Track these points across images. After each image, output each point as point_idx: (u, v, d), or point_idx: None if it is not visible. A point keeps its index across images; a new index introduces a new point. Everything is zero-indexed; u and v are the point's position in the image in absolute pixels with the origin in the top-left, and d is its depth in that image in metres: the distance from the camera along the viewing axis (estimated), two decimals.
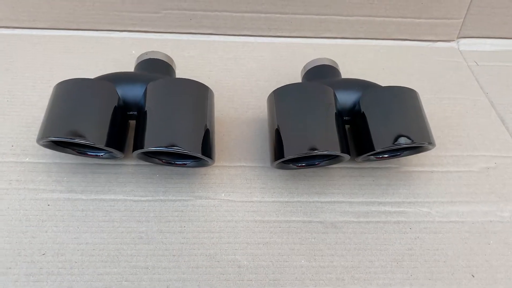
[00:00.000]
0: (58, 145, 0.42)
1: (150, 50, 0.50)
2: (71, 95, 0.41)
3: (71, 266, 0.37)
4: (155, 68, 0.48)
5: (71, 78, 0.42)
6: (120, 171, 0.44)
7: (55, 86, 0.42)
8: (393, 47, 0.64)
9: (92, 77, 0.45)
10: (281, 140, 0.41)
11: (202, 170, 0.45)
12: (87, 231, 0.39)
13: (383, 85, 0.46)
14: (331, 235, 0.41)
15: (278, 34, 0.63)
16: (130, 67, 0.54)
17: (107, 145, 0.39)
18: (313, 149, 0.39)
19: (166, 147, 0.38)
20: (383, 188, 0.45)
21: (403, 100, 0.44)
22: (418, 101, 0.45)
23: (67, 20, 0.60)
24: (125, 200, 0.42)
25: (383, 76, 0.59)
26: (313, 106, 0.43)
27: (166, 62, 0.49)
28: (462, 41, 0.65)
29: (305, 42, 0.63)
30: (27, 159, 0.45)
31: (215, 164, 0.45)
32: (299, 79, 0.56)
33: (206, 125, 0.41)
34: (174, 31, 0.62)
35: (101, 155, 0.44)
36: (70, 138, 0.38)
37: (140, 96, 0.43)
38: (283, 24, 0.62)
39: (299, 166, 0.45)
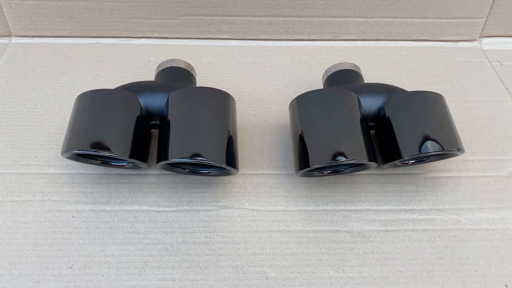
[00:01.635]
0: (82, 157, 0.42)
1: (170, 58, 0.49)
2: (93, 106, 0.41)
3: (98, 279, 0.37)
4: (176, 76, 0.47)
5: (92, 89, 0.42)
6: (143, 181, 0.44)
7: (77, 98, 0.42)
8: (414, 48, 0.63)
9: (113, 86, 0.44)
10: (306, 148, 0.40)
11: (225, 178, 0.45)
12: (112, 243, 0.39)
13: (406, 89, 0.45)
14: (359, 244, 0.40)
15: (297, 38, 0.62)
16: (149, 74, 0.54)
17: (131, 156, 0.39)
18: (340, 158, 0.38)
19: (190, 158, 0.37)
20: (409, 195, 0.44)
21: (429, 105, 0.43)
22: (444, 105, 0.44)
23: (85, 28, 0.60)
24: (149, 211, 0.42)
25: (404, 79, 0.58)
26: (338, 113, 0.42)
27: (186, 69, 0.48)
28: (485, 40, 0.64)
29: (324, 45, 0.63)
30: (50, 170, 0.45)
31: (239, 172, 0.44)
32: (319, 84, 0.55)
33: (229, 133, 0.41)
34: (192, 36, 0.62)
35: (125, 165, 0.43)
36: (94, 151, 0.37)
37: (162, 105, 0.43)
38: (302, 27, 0.61)
39: (324, 173, 0.44)
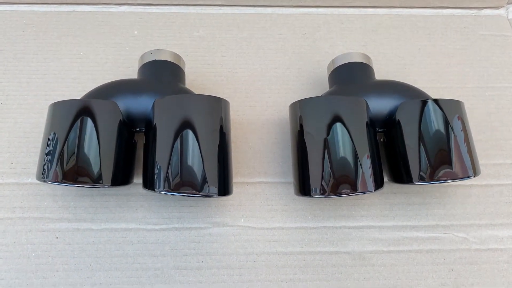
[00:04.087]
0: None
1: (154, 49, 0.43)
2: (68, 123, 0.36)
3: None
4: (162, 72, 0.42)
5: (66, 99, 0.37)
6: (131, 193, 0.41)
7: (50, 107, 0.37)
8: (432, 17, 0.56)
9: (92, 70, 0.40)
10: (308, 173, 0.36)
11: None
12: (100, 269, 0.37)
13: (420, 72, 0.40)
14: (359, 268, 0.38)
15: (300, 4, 0.55)
16: (133, 53, 0.49)
17: (113, 184, 0.35)
18: (345, 191, 0.35)
19: (178, 191, 0.34)
20: (416, 208, 0.41)
21: (446, 118, 0.38)
22: (463, 117, 0.39)
23: None
24: (138, 230, 0.39)
25: (419, 59, 0.52)
26: (343, 133, 0.37)
27: (173, 63, 0.42)
28: None
29: (331, 13, 0.55)
30: (29, 179, 0.41)
31: (234, 180, 0.41)
32: (323, 66, 0.50)
33: (221, 152, 0.36)
34: (181, 3, 0.54)
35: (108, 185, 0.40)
36: (71, 183, 0.34)
37: (147, 111, 0.38)
38: None
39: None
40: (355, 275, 0.38)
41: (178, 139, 0.35)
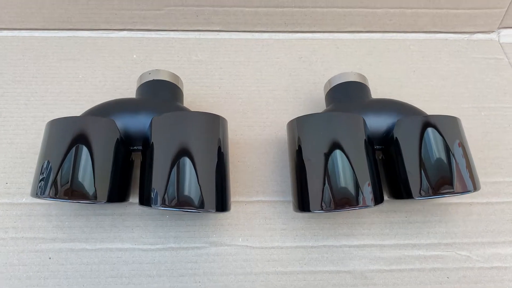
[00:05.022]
0: None
1: (153, 69, 0.44)
2: (64, 141, 0.36)
3: None
4: (160, 91, 0.42)
5: (62, 116, 0.37)
6: (126, 212, 0.40)
7: (46, 125, 0.37)
8: (425, 41, 0.57)
9: (91, 92, 0.40)
10: (307, 189, 0.36)
11: None
12: None
13: (416, 94, 0.40)
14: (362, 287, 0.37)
15: (296, 30, 0.56)
16: (132, 75, 0.49)
17: (109, 200, 0.35)
18: (345, 206, 0.34)
19: (175, 207, 0.33)
20: (417, 226, 0.41)
21: (444, 133, 0.38)
22: (461, 133, 0.39)
23: (59, 19, 0.54)
24: (133, 250, 0.38)
25: (414, 81, 0.52)
26: (342, 148, 0.37)
27: (172, 83, 0.43)
28: (504, 31, 0.58)
29: (326, 38, 0.57)
30: (23, 199, 0.40)
31: (232, 199, 0.40)
32: (320, 87, 0.50)
33: (221, 168, 0.36)
34: (179, 28, 0.55)
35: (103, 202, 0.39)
36: (65, 200, 0.33)
37: (144, 129, 0.38)
38: (302, 18, 0.55)
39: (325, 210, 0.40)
40: None
41: (176, 155, 0.35)
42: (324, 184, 0.35)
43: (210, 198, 0.34)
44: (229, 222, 0.40)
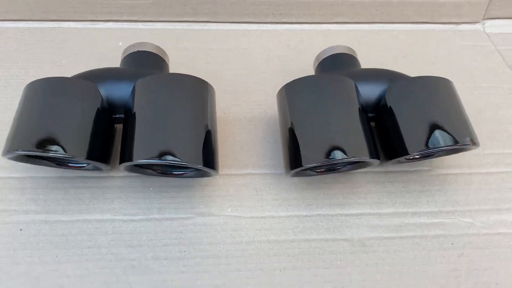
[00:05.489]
0: (32, 158, 0.35)
1: (138, 42, 0.42)
2: (44, 97, 0.34)
3: None
4: (144, 62, 0.41)
5: (44, 77, 0.35)
6: (106, 185, 0.38)
7: (25, 87, 0.35)
8: (413, 32, 0.57)
9: (72, 75, 0.38)
10: (297, 145, 0.34)
11: (203, 180, 0.39)
12: (68, 261, 0.33)
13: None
14: (360, 255, 0.34)
15: (284, 20, 0.56)
16: (116, 63, 0.47)
17: (89, 157, 0.32)
18: (337, 155, 0.32)
19: (159, 158, 0.31)
20: (415, 195, 0.39)
21: (436, 91, 0.37)
22: (453, 92, 0.38)
23: (44, 10, 0.53)
24: (113, 220, 0.35)
25: (403, 65, 0.51)
26: (333, 102, 0.36)
27: (157, 54, 0.42)
28: (488, 22, 0.58)
29: (314, 29, 0.56)
30: None
31: (220, 172, 0.38)
32: (310, 71, 0.49)
33: (207, 127, 0.34)
34: (166, 19, 0.55)
35: (84, 166, 0.37)
36: (42, 152, 0.31)
37: (127, 96, 0.36)
38: (290, 8, 0.55)
39: (318, 172, 0.38)
40: (357, 261, 0.34)
41: (161, 112, 0.33)
42: (316, 137, 0.34)
43: (197, 153, 0.32)
44: (217, 193, 0.38)
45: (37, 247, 0.33)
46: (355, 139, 0.34)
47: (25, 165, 0.38)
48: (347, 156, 0.32)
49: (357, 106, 0.36)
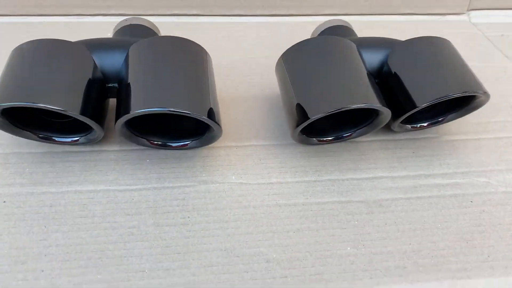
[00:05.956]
0: (15, 125, 0.32)
1: (130, 16, 0.41)
2: (35, 56, 0.32)
3: (35, 276, 0.27)
4: (137, 34, 0.39)
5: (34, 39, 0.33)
6: (99, 158, 0.35)
7: (12, 51, 0.33)
8: (401, 22, 0.58)
9: None
10: (302, 100, 0.32)
11: (203, 151, 0.36)
12: (58, 231, 0.29)
13: None
14: (378, 215, 0.32)
15: (274, 13, 0.56)
16: None
17: (83, 113, 0.29)
18: (346, 103, 0.31)
19: (159, 107, 0.29)
20: (426, 159, 0.37)
21: (439, 49, 0.37)
22: (454, 49, 0.37)
23: (28, 4, 0.51)
24: (108, 191, 0.32)
25: None
26: (337, 58, 0.35)
27: (149, 28, 0.40)
28: (473, 13, 0.60)
29: (304, 21, 0.56)
30: None
31: (218, 144, 0.36)
32: None
33: (207, 83, 0.32)
34: (156, 13, 0.54)
35: (73, 140, 0.34)
36: (31, 104, 0.28)
37: (120, 64, 0.34)
38: (279, 1, 0.55)
39: (324, 140, 0.36)
40: (375, 221, 0.32)
41: (158, 68, 0.32)
42: (322, 89, 0.32)
43: (200, 104, 0.30)
44: (220, 163, 0.35)
45: (22, 218, 0.30)
46: (364, 89, 0.32)
47: (8, 141, 0.35)
48: (357, 103, 0.31)
49: (361, 62, 0.35)
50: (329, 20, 0.43)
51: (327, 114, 0.31)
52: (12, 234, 0.29)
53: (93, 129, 0.33)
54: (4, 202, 0.31)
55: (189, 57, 0.34)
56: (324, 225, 0.31)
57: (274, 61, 0.39)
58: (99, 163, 0.34)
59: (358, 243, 0.30)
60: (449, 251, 0.30)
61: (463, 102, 0.36)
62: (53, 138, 0.34)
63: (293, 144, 0.37)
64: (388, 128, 0.37)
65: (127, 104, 0.30)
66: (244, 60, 0.48)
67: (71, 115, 0.29)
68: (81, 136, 0.34)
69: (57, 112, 0.29)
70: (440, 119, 0.38)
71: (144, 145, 0.35)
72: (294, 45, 0.37)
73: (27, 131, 0.33)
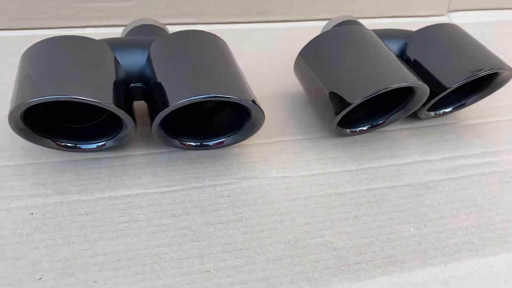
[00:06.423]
0: (36, 132, 0.29)
1: (139, 18, 0.39)
2: (56, 52, 0.29)
3: None
4: (150, 34, 0.37)
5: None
6: (126, 163, 0.32)
7: (24, 53, 0.30)
8: (387, 25, 0.59)
9: None
10: (338, 88, 0.32)
11: (234, 150, 0.34)
12: (100, 238, 0.26)
13: None
14: (428, 196, 0.32)
15: (269, 19, 0.56)
16: None
17: (117, 105, 0.27)
18: (387, 84, 0.30)
19: (203, 94, 0.27)
20: (454, 142, 0.37)
21: (456, 33, 0.38)
22: (467, 33, 0.38)
23: (13, 17, 0.48)
24: (146, 194, 0.30)
25: None
26: (367, 44, 0.35)
27: (161, 28, 0.39)
28: (453, 14, 0.63)
29: (298, 26, 0.57)
30: None
31: (248, 142, 0.34)
32: None
33: (240, 71, 0.31)
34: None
35: (99, 145, 0.31)
36: (65, 95, 0.25)
37: (142, 62, 0.32)
38: (275, 7, 0.55)
39: (356, 131, 0.36)
40: (427, 202, 0.31)
41: (188, 59, 0.30)
42: (358, 77, 0.32)
43: (241, 89, 0.29)
44: (255, 159, 0.34)
45: (58, 229, 0.26)
46: (400, 69, 0.32)
47: (20, 152, 0.31)
48: (397, 82, 0.30)
49: (386, 47, 0.35)
50: (337, 17, 0.43)
51: (368, 97, 0.31)
52: (50, 246, 0.25)
53: (120, 130, 0.30)
54: (32, 214, 0.27)
55: (217, 47, 0.33)
56: (380, 210, 0.30)
57: (272, 65, 0.38)
58: (128, 168, 0.32)
59: (419, 224, 0.29)
60: (507, 224, 0.30)
61: (484, 83, 0.37)
62: (78, 145, 0.31)
63: (322, 138, 0.36)
64: (411, 117, 0.37)
65: (164, 98, 0.28)
66: (252, 61, 0.47)
67: (108, 109, 0.27)
68: (107, 140, 0.31)
69: (78, 116, 0.27)
70: (463, 102, 0.39)
71: (177, 146, 0.33)
72: (312, 40, 0.37)
73: (48, 138, 0.30)
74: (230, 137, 0.33)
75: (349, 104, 0.31)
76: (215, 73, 0.30)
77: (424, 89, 0.33)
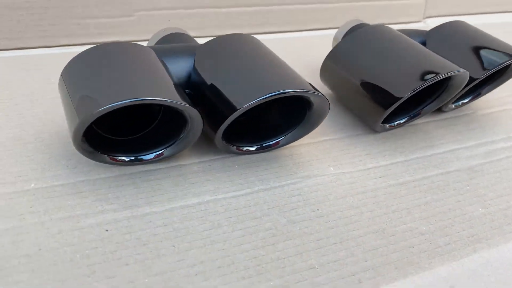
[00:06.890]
0: (94, 148, 0.27)
1: (165, 27, 0.38)
2: (105, 61, 0.28)
3: None
4: (183, 41, 0.37)
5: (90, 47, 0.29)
6: (183, 173, 0.31)
7: (65, 70, 0.29)
8: None
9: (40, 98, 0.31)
10: (382, 84, 0.33)
11: (285, 152, 0.34)
12: (190, 248, 0.25)
13: None
14: (479, 178, 0.33)
15: (265, 31, 0.57)
16: None
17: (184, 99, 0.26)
18: (432, 76, 0.32)
19: (271, 93, 0.27)
20: (480, 130, 0.40)
21: (469, 28, 0.40)
22: (476, 27, 0.41)
23: (9, 37, 0.45)
24: (217, 200, 0.28)
25: None
26: (400, 41, 0.36)
27: (189, 35, 0.38)
28: (429, 20, 0.67)
29: (292, 36, 0.58)
30: (32, 185, 0.28)
31: (295, 144, 0.34)
32: (316, 63, 0.49)
33: (290, 67, 0.31)
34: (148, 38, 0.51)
35: (157, 154, 0.30)
36: (149, 99, 0.24)
37: (189, 69, 0.32)
38: (268, 19, 0.56)
39: (393, 126, 0.37)
40: (482, 184, 0.32)
41: (239, 62, 0.30)
42: (401, 72, 0.33)
43: (303, 83, 0.29)
44: (308, 159, 0.34)
45: (142, 243, 0.25)
46: (439, 59, 0.34)
47: (63, 171, 0.29)
48: (443, 72, 0.32)
49: (416, 42, 0.37)
50: (350, 21, 0.45)
51: (416, 90, 0.32)
52: (140, 261, 0.24)
53: (176, 136, 0.29)
54: (107, 230, 0.25)
55: (260, 46, 0.33)
56: (444, 194, 0.31)
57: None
58: (188, 177, 0.30)
59: (483, 203, 0.30)
60: None
61: (497, 73, 0.40)
62: (140, 157, 0.29)
63: (358, 135, 0.37)
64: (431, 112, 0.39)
65: (227, 103, 0.27)
66: None
67: (182, 108, 0.26)
68: (165, 148, 0.30)
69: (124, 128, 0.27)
70: (478, 93, 0.41)
71: (235, 153, 0.32)
72: (340, 43, 0.38)
73: (105, 154, 0.28)
74: (287, 136, 0.32)
75: (398, 98, 0.32)
76: (271, 71, 0.30)
77: (463, 76, 0.34)
